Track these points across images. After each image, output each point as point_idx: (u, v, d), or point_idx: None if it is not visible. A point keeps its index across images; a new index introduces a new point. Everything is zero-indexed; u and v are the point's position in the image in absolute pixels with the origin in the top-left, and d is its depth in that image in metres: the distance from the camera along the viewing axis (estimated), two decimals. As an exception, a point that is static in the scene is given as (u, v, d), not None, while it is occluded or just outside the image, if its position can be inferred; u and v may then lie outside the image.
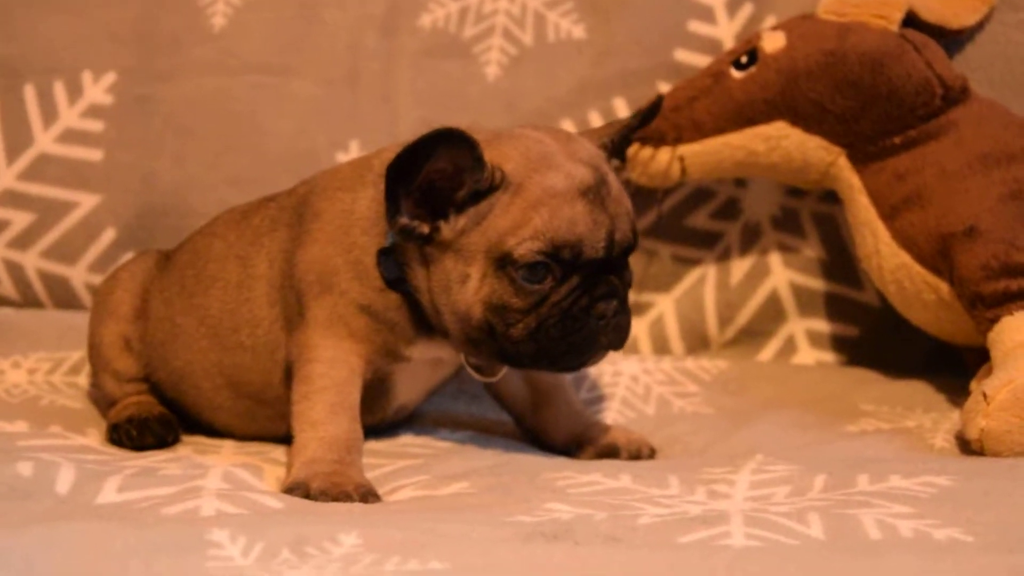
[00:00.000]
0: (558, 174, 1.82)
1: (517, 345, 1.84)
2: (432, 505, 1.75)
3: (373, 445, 2.02)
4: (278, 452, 2.00)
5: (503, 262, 1.81)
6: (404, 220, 1.82)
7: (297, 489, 1.79)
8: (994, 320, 2.05)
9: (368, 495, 1.79)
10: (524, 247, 1.80)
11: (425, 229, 1.82)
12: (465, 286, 1.83)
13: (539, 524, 1.61)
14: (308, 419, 1.87)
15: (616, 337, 1.87)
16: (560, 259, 1.81)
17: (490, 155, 1.80)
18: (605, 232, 1.83)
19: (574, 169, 1.83)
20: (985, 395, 1.92)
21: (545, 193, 1.81)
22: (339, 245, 1.93)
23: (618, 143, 1.97)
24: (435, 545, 1.51)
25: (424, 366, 2.02)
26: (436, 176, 1.80)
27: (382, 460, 1.97)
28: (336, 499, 1.76)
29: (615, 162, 2.24)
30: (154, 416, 2.08)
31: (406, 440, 2.09)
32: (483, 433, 2.14)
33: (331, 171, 2.03)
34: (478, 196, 1.81)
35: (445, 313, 1.86)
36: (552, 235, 1.80)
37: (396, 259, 1.89)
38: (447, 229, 1.82)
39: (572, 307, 1.83)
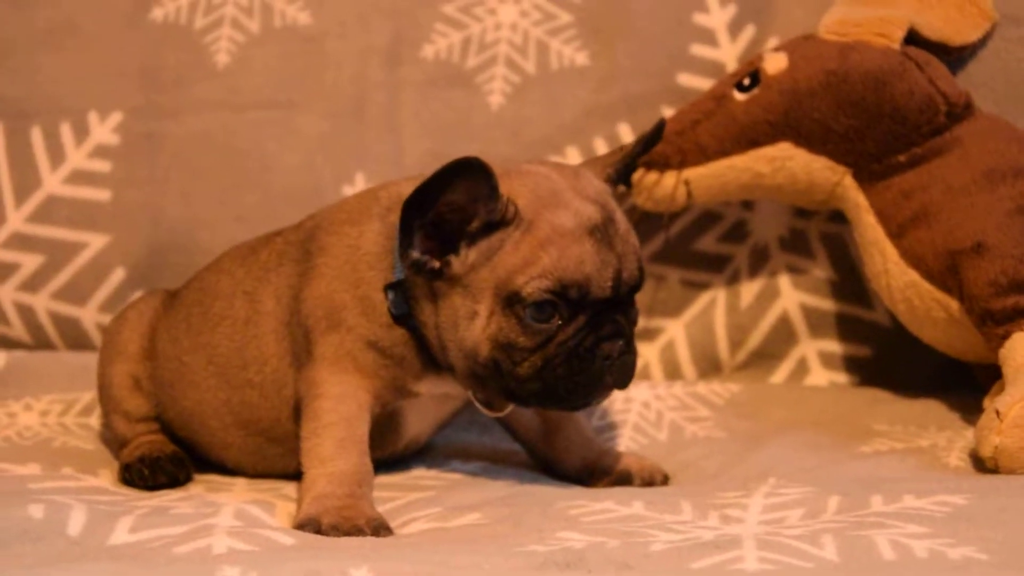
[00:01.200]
0: (567, 212, 1.82)
1: (523, 383, 1.84)
2: (444, 537, 1.75)
3: (385, 478, 2.02)
4: (290, 488, 2.00)
5: (511, 300, 1.81)
6: (415, 254, 1.82)
7: (308, 525, 1.78)
8: (1005, 336, 2.04)
9: (380, 528, 1.78)
10: (532, 286, 1.80)
11: (436, 264, 1.83)
12: (473, 323, 1.83)
13: (551, 553, 1.61)
14: (317, 455, 1.87)
15: (621, 377, 1.87)
16: (567, 298, 1.81)
17: (502, 189, 1.81)
18: (612, 271, 1.83)
19: (582, 207, 1.83)
20: (998, 412, 1.91)
21: (554, 231, 1.81)
22: (346, 280, 1.93)
23: (622, 172, 1.98)
24: (446, 577, 1.51)
25: (433, 401, 2.02)
26: (446, 209, 1.80)
27: (394, 493, 1.97)
28: (348, 533, 1.76)
29: (620, 188, 2.24)
30: (166, 455, 2.08)
31: (418, 472, 2.09)
32: (495, 463, 2.14)
33: (336, 205, 2.04)
34: (490, 229, 1.81)
35: (452, 350, 1.86)
36: (560, 274, 1.80)
37: (404, 294, 1.89)
38: (457, 263, 1.82)
39: (578, 347, 1.83)
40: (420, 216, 1.80)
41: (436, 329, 1.86)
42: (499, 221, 1.81)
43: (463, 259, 1.82)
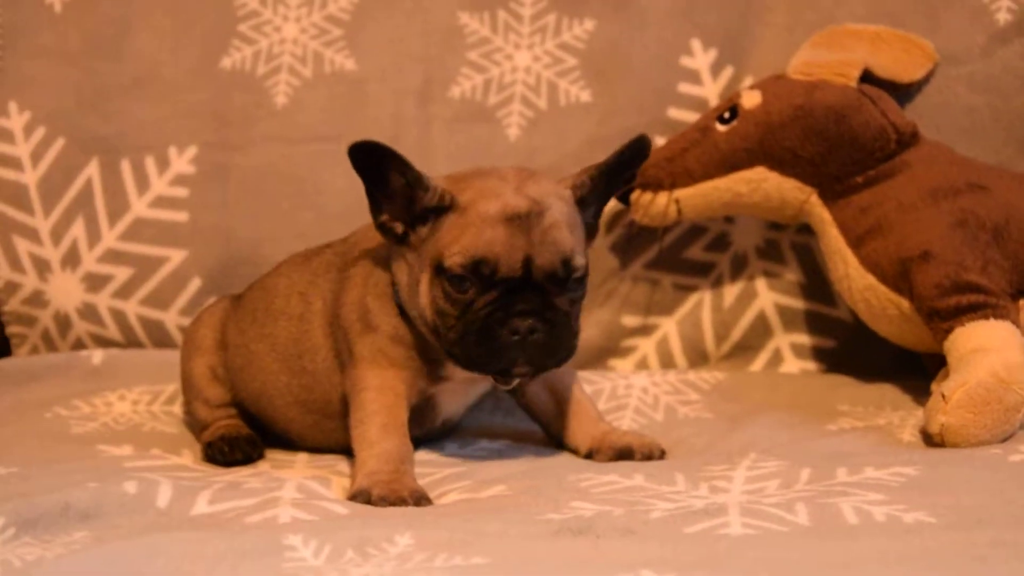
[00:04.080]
0: (496, 203, 1.83)
1: (451, 347, 1.85)
2: (475, 507, 1.76)
3: (423, 456, 2.02)
4: (343, 465, 2.00)
5: (439, 271, 1.84)
6: (384, 218, 1.87)
7: (360, 496, 1.79)
8: (948, 331, 2.04)
9: (421, 499, 1.79)
10: (451, 260, 1.82)
11: (399, 228, 1.87)
12: (419, 289, 1.86)
13: (566, 521, 1.61)
14: (365, 440, 1.88)
15: (536, 354, 1.83)
16: (479, 274, 1.82)
17: (453, 185, 1.85)
18: (522, 255, 1.82)
19: (512, 200, 1.84)
20: (944, 395, 1.91)
21: (477, 216, 1.83)
22: (373, 288, 1.96)
23: (596, 178, 1.94)
24: (477, 543, 1.51)
25: (461, 384, 2.02)
26: (399, 188, 1.85)
27: (432, 469, 1.97)
28: (394, 504, 1.77)
29: (619, 205, 2.24)
30: (242, 436, 2.10)
31: (451, 450, 2.09)
32: (517, 442, 2.14)
33: (371, 224, 2.04)
34: (439, 212, 1.85)
35: (415, 316, 1.89)
36: (473, 252, 1.81)
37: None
38: (414, 236, 1.87)
39: (488, 318, 1.82)
40: (381, 187, 1.85)
41: (408, 298, 1.89)
42: (438, 206, 1.84)
43: (419, 233, 1.87)
